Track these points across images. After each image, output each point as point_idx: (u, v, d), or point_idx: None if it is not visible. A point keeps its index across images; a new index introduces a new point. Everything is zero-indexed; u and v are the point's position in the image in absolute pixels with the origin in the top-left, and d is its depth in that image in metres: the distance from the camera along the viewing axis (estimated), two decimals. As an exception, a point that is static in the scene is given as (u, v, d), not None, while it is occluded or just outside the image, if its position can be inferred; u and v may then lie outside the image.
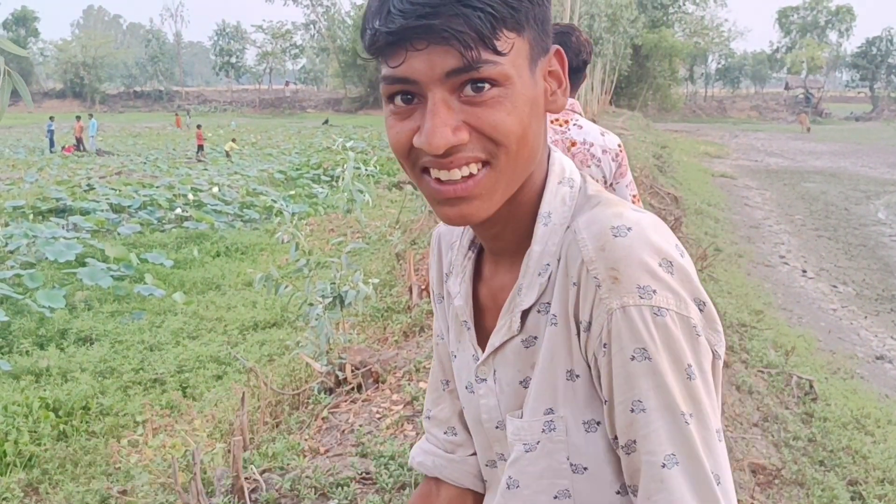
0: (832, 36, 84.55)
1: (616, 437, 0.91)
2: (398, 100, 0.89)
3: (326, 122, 53.37)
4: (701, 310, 0.90)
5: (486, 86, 0.85)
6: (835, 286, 11.01)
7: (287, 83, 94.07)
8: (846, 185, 22.94)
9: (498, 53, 0.83)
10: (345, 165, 5.51)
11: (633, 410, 0.87)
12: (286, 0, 75.36)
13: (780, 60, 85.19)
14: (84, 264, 10.82)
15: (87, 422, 6.33)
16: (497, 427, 1.06)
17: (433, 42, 0.82)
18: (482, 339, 1.07)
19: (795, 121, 60.22)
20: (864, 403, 6.14)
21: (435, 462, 1.26)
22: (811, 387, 6.14)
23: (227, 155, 28.77)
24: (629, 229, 0.88)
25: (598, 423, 0.94)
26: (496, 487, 1.11)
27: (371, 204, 6.70)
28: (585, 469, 0.95)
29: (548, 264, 0.96)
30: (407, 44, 0.83)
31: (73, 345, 8.10)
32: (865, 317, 9.52)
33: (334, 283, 5.01)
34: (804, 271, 11.80)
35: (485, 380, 1.05)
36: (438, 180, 0.89)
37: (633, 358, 0.86)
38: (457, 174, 0.88)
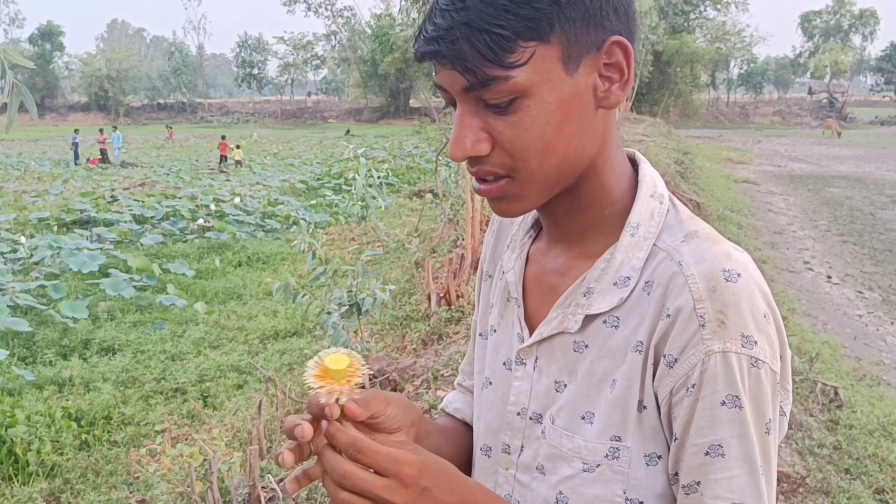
0: (856, 40, 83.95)
1: (676, 474, 0.91)
2: (450, 105, 0.94)
3: (348, 132, 53.54)
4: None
5: (505, 97, 0.87)
6: (860, 292, 10.86)
7: (309, 94, 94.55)
8: (871, 189, 22.68)
9: (511, 67, 0.84)
10: (356, 172, 5.51)
11: (708, 454, 0.88)
12: (307, 11, 75.43)
13: (804, 65, 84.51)
14: (107, 275, 10.90)
15: (108, 431, 6.36)
16: (519, 414, 1.05)
17: (445, 64, 0.88)
18: (526, 318, 1.07)
19: (820, 126, 59.72)
20: (892, 410, 6.04)
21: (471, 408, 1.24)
22: (836, 394, 6.05)
23: (238, 163, 28.85)
24: (739, 275, 0.88)
25: (660, 458, 0.93)
26: (488, 477, 1.10)
27: (384, 209, 6.71)
28: (641, 503, 0.94)
29: (628, 277, 0.95)
30: (433, 61, 0.90)
31: (96, 355, 8.16)
32: (892, 322, 9.38)
33: (351, 291, 5.00)
34: (829, 277, 11.66)
35: (524, 363, 1.05)
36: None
37: (723, 403, 0.87)
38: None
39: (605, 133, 0.95)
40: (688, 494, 0.89)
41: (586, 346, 0.97)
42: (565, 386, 0.98)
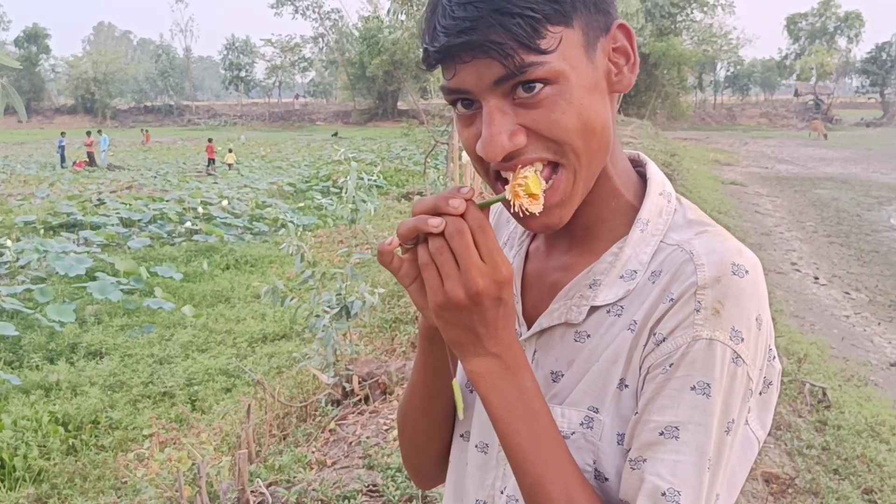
0: (841, 42, 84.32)
1: (629, 449, 0.91)
2: (459, 106, 0.92)
3: (335, 134, 53.48)
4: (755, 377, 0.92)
5: (538, 86, 0.86)
6: (847, 293, 10.92)
7: (296, 96, 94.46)
8: (858, 191, 22.82)
9: (544, 53, 0.84)
10: (348, 175, 5.50)
11: (662, 433, 0.87)
12: (294, 14, 75.34)
13: (790, 67, 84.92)
14: (94, 278, 10.83)
15: (96, 436, 6.33)
16: None
17: (476, 55, 0.84)
18: (524, 315, 1.07)
19: (806, 127, 60.02)
20: (879, 411, 6.07)
21: None
22: (824, 394, 6.08)
23: (230, 167, 28.90)
24: (747, 272, 0.89)
25: None
26: (464, 468, 1.10)
27: (374, 212, 6.69)
28: (606, 480, 0.94)
29: (635, 271, 0.95)
30: (455, 58, 0.86)
31: (83, 359, 8.10)
32: (879, 323, 9.43)
33: (340, 294, 4.99)
34: (816, 278, 11.71)
35: None
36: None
37: (693, 388, 0.87)
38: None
39: (613, 123, 0.95)
40: (633, 469, 0.89)
41: (588, 336, 0.97)
42: (562, 376, 0.98)
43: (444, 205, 0.87)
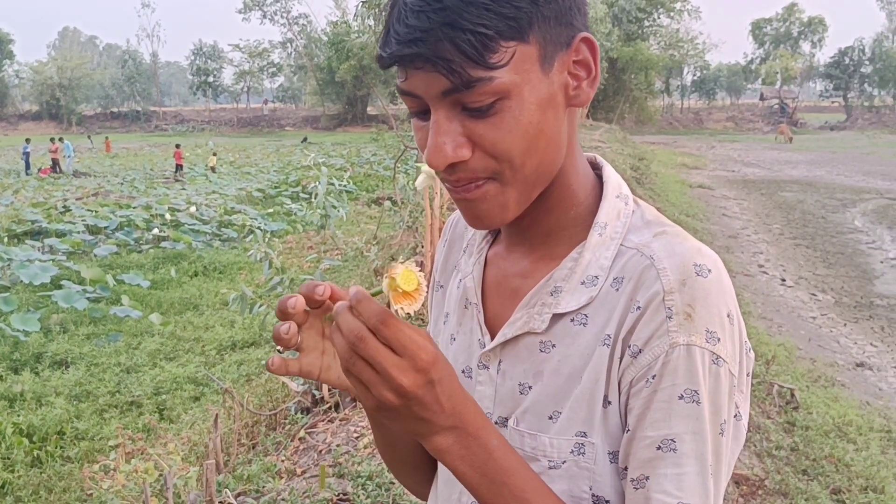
0: (805, 47, 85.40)
1: (626, 468, 0.89)
2: (415, 117, 0.91)
3: (305, 139, 53.23)
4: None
5: (486, 99, 0.84)
6: (814, 294, 11.05)
7: (265, 101, 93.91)
8: (822, 193, 23.12)
9: (493, 68, 0.82)
10: (318, 181, 5.46)
11: (660, 448, 0.86)
12: (262, 19, 74.96)
13: (755, 71, 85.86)
14: (59, 287, 10.69)
15: (61, 447, 6.24)
16: None
17: (424, 66, 0.83)
18: (486, 324, 1.05)
19: (772, 131, 60.74)
20: (846, 411, 6.13)
21: None
22: (793, 395, 6.13)
23: (213, 170, 28.91)
24: (710, 271, 0.88)
25: None
26: (446, 486, 1.07)
27: (345, 219, 6.66)
28: (607, 502, 0.92)
29: (596, 276, 0.94)
30: (407, 64, 0.85)
31: (48, 369, 7.99)
32: (845, 324, 9.55)
33: (310, 301, 4.94)
34: (783, 280, 11.84)
35: (487, 367, 1.02)
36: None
37: (681, 397, 0.86)
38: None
39: (571, 134, 0.95)
40: (636, 489, 0.87)
41: (553, 346, 0.95)
42: (530, 388, 0.96)
43: (285, 307, 0.87)
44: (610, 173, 1.02)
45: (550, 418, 0.94)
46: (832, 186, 24.94)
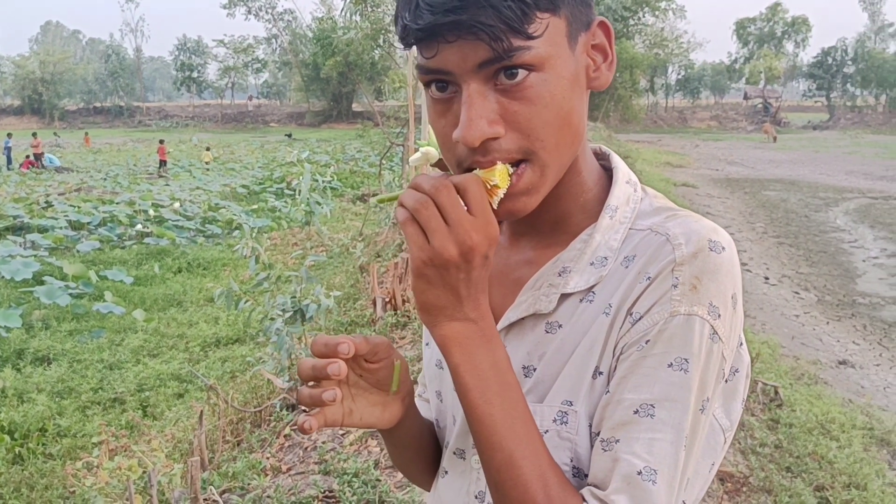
0: (789, 46, 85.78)
1: (599, 432, 0.88)
2: (433, 88, 0.88)
3: (289, 136, 53.06)
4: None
5: (521, 72, 0.83)
6: (797, 292, 11.10)
7: (250, 97, 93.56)
8: (805, 192, 23.24)
9: (530, 38, 0.81)
10: (301, 177, 5.44)
11: (637, 412, 0.84)
12: (247, 15, 74.57)
13: (739, 71, 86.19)
14: (42, 283, 10.61)
15: (43, 444, 6.18)
16: None
17: (463, 35, 0.81)
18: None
19: (755, 130, 61.05)
20: (829, 408, 6.17)
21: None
22: (776, 393, 6.16)
23: (208, 164, 28.92)
24: (724, 249, 0.88)
25: None
26: (459, 478, 1.06)
27: (330, 215, 6.64)
28: (586, 476, 0.90)
29: (605, 257, 0.93)
30: (439, 37, 0.82)
31: (30, 365, 7.93)
32: (827, 322, 9.60)
33: (294, 297, 4.93)
34: (766, 278, 11.89)
35: None
36: None
37: (670, 364, 0.84)
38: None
39: (585, 119, 0.94)
40: (604, 451, 0.86)
41: (560, 327, 0.94)
42: (534, 370, 0.95)
43: (325, 373, 0.88)
44: (618, 160, 1.03)
45: (548, 394, 0.94)
46: (815, 186, 25.07)
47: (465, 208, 0.81)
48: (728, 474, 4.66)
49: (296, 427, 4.61)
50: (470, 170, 0.88)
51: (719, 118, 75.73)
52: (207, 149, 31.83)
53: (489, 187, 0.84)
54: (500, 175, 0.84)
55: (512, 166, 0.87)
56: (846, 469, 5.08)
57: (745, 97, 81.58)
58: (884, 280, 12.07)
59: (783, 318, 9.67)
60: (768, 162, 34.56)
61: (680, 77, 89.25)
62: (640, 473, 0.83)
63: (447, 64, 0.84)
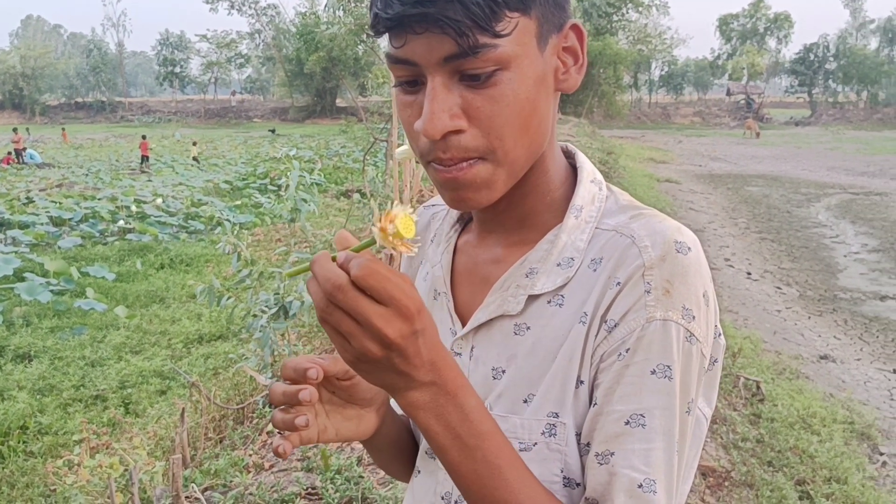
0: (771, 43, 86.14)
1: (589, 444, 0.88)
2: (402, 86, 0.89)
3: (273, 131, 52.87)
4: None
5: (487, 68, 0.83)
6: (779, 287, 11.17)
7: (233, 93, 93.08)
8: (788, 188, 23.37)
9: (497, 36, 0.81)
10: (289, 174, 5.42)
11: (628, 423, 0.85)
12: (230, 10, 74.23)
13: (722, 67, 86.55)
14: (22, 279, 10.52)
15: (24, 442, 6.14)
16: None
17: (430, 28, 0.81)
18: (456, 311, 1.04)
19: (738, 126, 61.34)
20: (810, 403, 6.21)
21: None
22: (758, 388, 6.20)
23: (196, 160, 28.81)
24: (689, 249, 0.89)
25: None
26: (429, 478, 1.06)
27: (317, 213, 6.62)
28: (578, 485, 0.90)
29: (572, 258, 0.93)
30: (407, 28, 0.82)
31: (11, 362, 7.86)
32: (809, 317, 9.66)
33: (278, 294, 4.91)
34: (749, 273, 11.95)
35: (459, 355, 1.01)
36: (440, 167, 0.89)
37: (653, 372, 0.85)
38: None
39: (553, 119, 0.94)
40: (600, 465, 0.86)
41: (528, 328, 0.94)
42: (503, 372, 0.95)
43: (296, 399, 0.88)
44: (583, 159, 1.03)
45: (525, 402, 0.93)
46: (797, 181, 25.22)
47: (373, 300, 0.75)
48: (710, 469, 4.69)
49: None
50: (434, 162, 0.88)
51: (702, 114, 76.03)
52: (194, 143, 31.83)
53: (390, 237, 0.78)
54: (402, 224, 0.78)
55: (468, 161, 0.87)
56: (827, 463, 5.12)
57: (728, 93, 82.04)
58: (864, 275, 12.15)
59: (765, 313, 9.72)
60: (751, 158, 34.73)
61: (663, 73, 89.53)
62: (640, 486, 0.84)
63: (414, 55, 0.84)
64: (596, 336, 0.89)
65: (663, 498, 0.85)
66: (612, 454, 0.85)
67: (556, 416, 0.91)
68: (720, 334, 0.95)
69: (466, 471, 0.85)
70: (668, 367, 0.85)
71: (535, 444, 0.91)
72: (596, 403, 0.88)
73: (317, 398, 0.87)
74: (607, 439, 0.86)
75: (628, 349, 0.86)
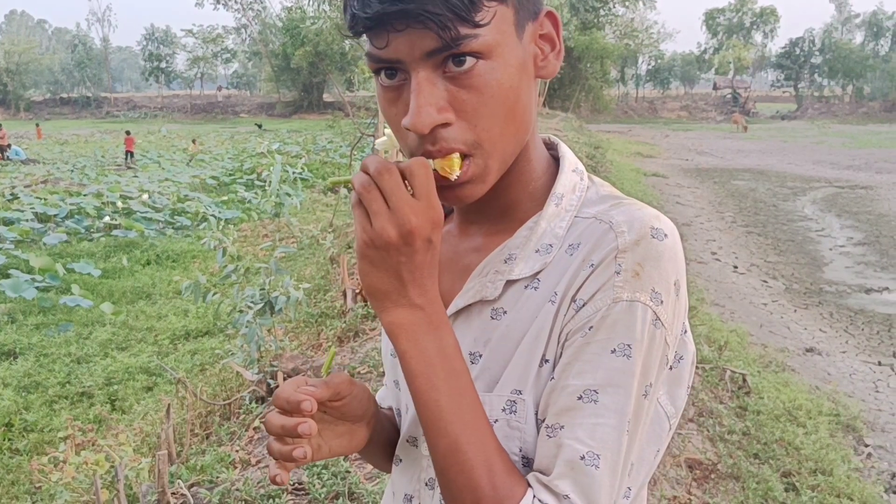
0: (757, 37, 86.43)
1: (544, 420, 0.88)
2: (383, 75, 0.88)
3: (260, 126, 52.69)
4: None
5: (469, 59, 0.84)
6: (765, 281, 11.22)
7: (219, 88, 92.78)
8: (774, 182, 23.47)
9: (478, 25, 0.82)
10: (271, 168, 5.40)
11: (581, 398, 0.85)
12: (216, 4, 73.86)
13: (708, 61, 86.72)
14: (7, 276, 10.47)
15: (9, 439, 6.12)
16: None
17: (411, 24, 0.81)
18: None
19: (725, 120, 61.56)
20: (796, 396, 6.24)
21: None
22: (744, 381, 6.22)
23: (192, 157, 28.67)
24: (666, 236, 0.88)
25: None
26: (411, 466, 1.06)
27: (300, 207, 6.60)
28: None
29: (550, 245, 0.94)
30: (388, 26, 0.82)
31: (-5, 360, 7.82)
32: (795, 310, 9.71)
33: (264, 289, 4.89)
34: (735, 267, 12.00)
35: None
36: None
37: (613, 350, 0.85)
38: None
39: (534, 108, 0.95)
40: (549, 437, 0.86)
41: (504, 313, 0.94)
42: (480, 356, 0.96)
43: (296, 432, 0.87)
44: (566, 150, 1.03)
45: (497, 383, 0.93)
46: (783, 175, 25.33)
47: (409, 192, 0.82)
48: (696, 461, 4.71)
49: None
50: (424, 157, 0.88)
51: (689, 108, 76.24)
52: (193, 141, 31.69)
53: (441, 175, 0.85)
54: (449, 165, 0.86)
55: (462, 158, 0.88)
56: (813, 455, 5.15)
57: (715, 87, 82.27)
58: (850, 268, 12.22)
59: (751, 306, 9.76)
60: (737, 152, 34.86)
61: (650, 67, 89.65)
62: (582, 458, 0.83)
63: (397, 53, 0.84)
64: (565, 315, 0.89)
65: (606, 475, 0.84)
66: (562, 427, 0.85)
67: (519, 392, 0.91)
68: (687, 332, 0.95)
69: (429, 400, 0.86)
70: (629, 346, 0.85)
71: (496, 420, 0.91)
72: (553, 378, 0.88)
73: (316, 431, 0.87)
74: (559, 413, 0.86)
75: (591, 327, 0.86)
